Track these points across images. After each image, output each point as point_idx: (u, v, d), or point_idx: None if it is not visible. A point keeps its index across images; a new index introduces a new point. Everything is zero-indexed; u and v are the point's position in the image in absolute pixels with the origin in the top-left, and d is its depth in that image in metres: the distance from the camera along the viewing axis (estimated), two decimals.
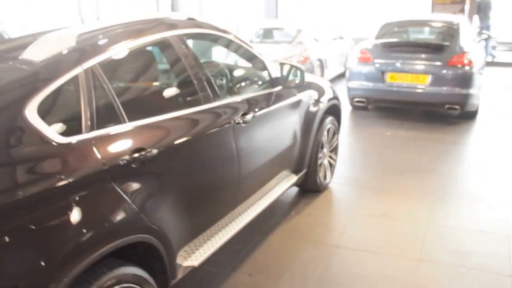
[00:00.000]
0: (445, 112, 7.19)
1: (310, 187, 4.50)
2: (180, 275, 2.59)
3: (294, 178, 4.05)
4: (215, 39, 3.53)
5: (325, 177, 4.66)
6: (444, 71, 6.77)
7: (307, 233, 3.89)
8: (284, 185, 3.87)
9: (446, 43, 7.04)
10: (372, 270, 3.33)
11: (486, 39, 10.81)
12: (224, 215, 3.10)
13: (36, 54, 2.26)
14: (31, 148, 1.93)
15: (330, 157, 4.78)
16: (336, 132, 4.82)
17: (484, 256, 3.47)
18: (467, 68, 6.77)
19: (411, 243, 3.67)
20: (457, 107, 6.82)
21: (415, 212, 4.23)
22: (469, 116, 7.30)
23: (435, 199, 4.47)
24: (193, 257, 2.71)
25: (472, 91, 6.82)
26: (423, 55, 6.96)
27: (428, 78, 6.82)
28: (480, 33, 9.75)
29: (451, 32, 7.37)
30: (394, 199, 4.50)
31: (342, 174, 5.05)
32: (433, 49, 7.03)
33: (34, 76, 2.09)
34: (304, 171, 4.23)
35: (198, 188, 2.77)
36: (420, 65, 6.93)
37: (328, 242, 3.73)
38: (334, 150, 4.86)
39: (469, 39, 7.47)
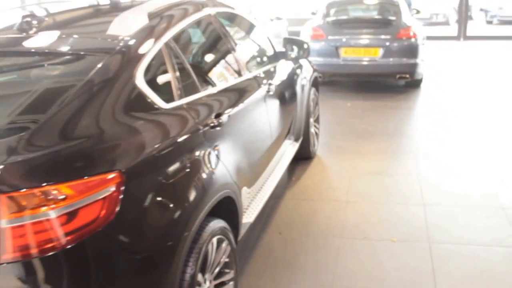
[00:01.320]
0: (395, 81, 7.82)
1: (304, 154, 4.84)
2: (242, 231, 2.83)
3: (297, 145, 4.37)
4: (232, 17, 3.75)
5: (313, 145, 5.03)
6: (394, 44, 7.37)
7: (316, 194, 4.23)
8: (292, 150, 4.18)
9: (393, 18, 7.65)
10: (384, 218, 3.74)
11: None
12: (263, 171, 3.36)
13: (120, 28, 2.37)
14: (145, 113, 2.09)
15: (315, 126, 5.15)
16: (317, 102, 5.20)
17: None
18: (413, 40, 7.42)
19: (410, 192, 4.14)
20: (407, 76, 7.46)
21: (402, 167, 4.72)
22: (415, 84, 7.99)
23: (413, 155, 4.99)
24: (248, 213, 2.95)
25: (418, 60, 7.48)
26: (373, 30, 7.52)
27: (380, 51, 7.38)
28: (410, 9, 10.54)
29: (393, 8, 7.99)
30: (378, 158, 4.97)
31: (322, 142, 5.44)
32: (381, 24, 7.62)
33: (131, 49, 2.21)
34: (301, 139, 4.56)
35: (251, 146, 3.05)
36: (371, 39, 7.48)
37: (338, 199, 4.10)
38: (317, 119, 5.24)
39: (408, 14, 8.14)
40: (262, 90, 3.29)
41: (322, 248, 3.34)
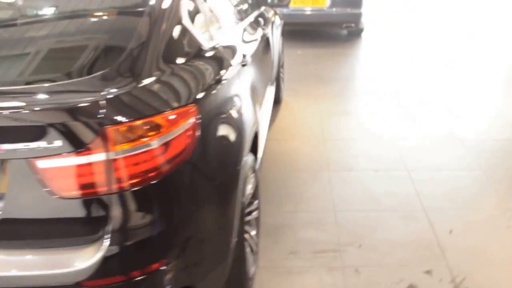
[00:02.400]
0: (339, 31, 8.19)
1: (275, 98, 5.08)
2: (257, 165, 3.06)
3: (273, 88, 4.60)
4: None
5: (282, 89, 5.28)
6: None
7: (294, 134, 4.53)
8: (273, 93, 4.41)
9: None
10: (362, 152, 4.12)
11: None
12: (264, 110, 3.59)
13: None
14: (196, 52, 2.21)
15: (281, 71, 5.39)
16: (283, 49, 5.44)
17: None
18: None
19: (380, 129, 4.54)
20: (353, 25, 7.85)
21: (366, 107, 5.13)
22: (357, 33, 8.42)
23: (374, 97, 5.42)
24: (259, 149, 3.18)
25: (362, 10, 7.87)
26: None
27: (327, 1, 7.67)
28: None
29: None
30: (341, 101, 5.35)
31: (285, 87, 5.71)
32: None
33: None
34: (275, 83, 4.79)
35: (259, 85, 3.22)
36: None
37: (316, 138, 4.42)
38: (283, 65, 5.48)
39: None
40: (261, 33, 3.48)
41: (315, 180, 3.65)
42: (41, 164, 1.60)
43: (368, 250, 2.84)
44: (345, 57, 7.17)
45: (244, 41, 2.98)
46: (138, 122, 1.68)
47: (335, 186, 3.55)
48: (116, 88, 1.72)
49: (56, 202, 1.65)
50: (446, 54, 7.38)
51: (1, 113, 1.60)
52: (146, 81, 1.80)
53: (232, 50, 2.62)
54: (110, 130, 1.61)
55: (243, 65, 2.62)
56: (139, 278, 1.73)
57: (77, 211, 1.67)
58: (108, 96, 1.66)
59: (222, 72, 2.30)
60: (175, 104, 1.81)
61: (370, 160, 3.95)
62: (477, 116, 4.91)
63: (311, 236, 2.98)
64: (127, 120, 1.65)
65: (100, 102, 1.64)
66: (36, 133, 1.59)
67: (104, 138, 1.61)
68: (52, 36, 2.15)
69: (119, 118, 1.65)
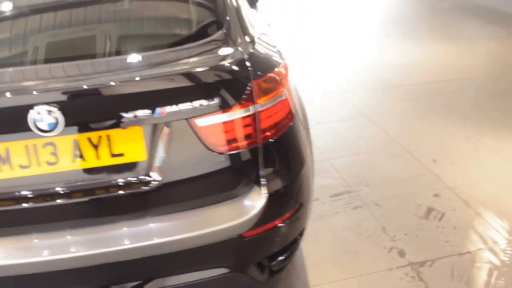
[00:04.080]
0: None
1: None
2: None
3: None
4: None
5: None
6: None
7: None
8: None
9: None
10: (323, 106, 4.39)
11: None
12: None
13: None
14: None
15: None
16: None
17: None
18: None
19: (329, 85, 4.86)
20: None
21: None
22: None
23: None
24: None
25: None
26: None
27: None
28: None
29: None
30: None
31: None
32: None
33: None
34: None
35: None
36: None
37: None
38: None
39: None
40: None
41: None
42: (200, 122, 1.60)
43: (377, 187, 3.13)
44: None
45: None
46: (271, 75, 1.73)
47: (314, 139, 3.76)
48: (242, 48, 1.75)
49: (213, 159, 1.66)
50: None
51: (163, 76, 1.59)
52: (257, 42, 1.84)
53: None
54: (255, 83, 1.67)
55: None
56: (280, 225, 1.80)
57: (232, 165, 1.70)
58: (246, 55, 1.71)
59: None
60: (281, 60, 1.87)
61: (332, 112, 4.24)
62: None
63: (322, 184, 3.17)
64: (264, 74, 1.71)
65: (245, 59, 1.67)
66: (195, 93, 1.60)
67: (251, 91, 1.65)
68: (157, 10, 2.06)
69: (259, 72, 1.70)
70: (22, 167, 1.57)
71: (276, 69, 1.78)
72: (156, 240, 1.61)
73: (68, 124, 1.51)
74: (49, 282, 1.66)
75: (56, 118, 1.49)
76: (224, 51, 1.72)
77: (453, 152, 3.52)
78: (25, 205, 1.61)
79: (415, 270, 2.46)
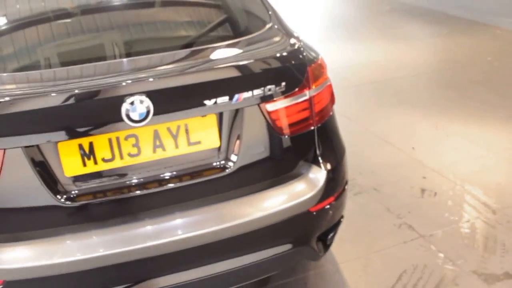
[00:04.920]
0: None
1: None
2: None
3: None
4: None
5: None
6: None
7: None
8: None
9: None
10: None
11: None
12: None
13: None
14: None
15: None
16: None
17: None
18: None
19: None
20: None
21: None
22: None
23: None
24: None
25: None
26: None
27: None
28: None
29: None
30: None
31: None
32: None
33: None
34: None
35: None
36: None
37: None
38: None
39: None
40: None
41: None
42: (269, 107, 1.74)
43: (369, 175, 3.37)
44: None
45: None
46: (319, 62, 1.90)
47: None
48: (294, 38, 1.92)
49: (279, 141, 1.80)
50: None
51: (237, 64, 1.71)
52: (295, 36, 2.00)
53: None
54: (310, 70, 1.83)
55: None
56: (334, 201, 1.96)
57: (295, 146, 1.85)
58: (299, 43, 1.88)
59: None
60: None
61: None
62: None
63: None
64: (315, 61, 1.89)
65: (302, 47, 1.83)
66: (264, 79, 1.73)
67: (308, 77, 1.81)
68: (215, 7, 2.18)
69: (311, 59, 1.88)
70: (105, 160, 1.61)
71: (320, 57, 1.96)
72: (237, 221, 1.70)
73: (156, 113, 1.57)
74: (149, 267, 1.69)
75: (148, 108, 1.55)
76: (282, 41, 1.87)
77: (427, 139, 3.85)
78: (110, 197, 1.64)
79: (428, 240, 2.69)
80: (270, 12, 2.02)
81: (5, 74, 1.63)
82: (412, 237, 2.73)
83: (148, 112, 1.56)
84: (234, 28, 2.03)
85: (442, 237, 2.72)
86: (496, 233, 2.75)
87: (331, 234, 2.09)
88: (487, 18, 7.17)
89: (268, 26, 1.94)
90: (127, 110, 1.54)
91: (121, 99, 1.54)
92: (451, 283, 2.40)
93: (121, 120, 1.55)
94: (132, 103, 1.54)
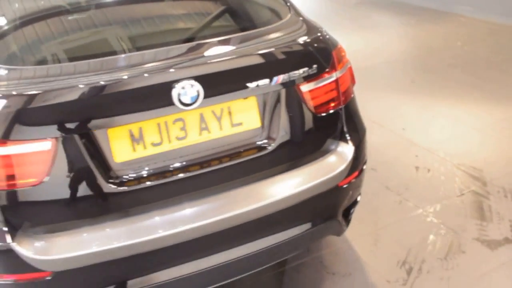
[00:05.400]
0: None
1: None
2: None
3: None
4: None
5: None
6: None
7: None
8: None
9: None
10: None
11: None
12: None
13: None
14: None
15: None
16: None
17: None
18: None
19: None
20: None
21: None
22: None
23: None
24: None
25: None
26: None
27: None
28: None
29: None
30: None
31: None
32: None
33: None
34: None
35: None
36: None
37: None
38: None
39: None
40: None
41: None
42: (304, 88, 1.86)
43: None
44: None
45: None
46: (339, 46, 2.01)
47: None
48: (316, 25, 2.05)
49: (313, 119, 1.91)
50: None
51: (276, 49, 1.82)
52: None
53: None
54: (334, 53, 1.96)
55: None
56: (357, 177, 2.08)
57: (327, 123, 1.97)
58: (322, 29, 2.02)
59: None
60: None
61: None
62: None
63: None
64: (337, 45, 2.02)
65: (324, 33, 1.94)
66: (299, 62, 1.84)
67: (333, 60, 1.93)
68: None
69: (334, 43, 2.01)
70: (154, 144, 1.67)
71: (339, 42, 2.07)
72: (280, 196, 1.79)
73: (205, 96, 1.65)
74: (202, 247, 1.76)
75: (198, 91, 1.62)
76: (306, 28, 1.98)
77: (416, 120, 4.02)
78: (159, 181, 1.69)
79: (429, 214, 2.85)
80: (288, 4, 2.13)
81: (57, 65, 1.67)
82: (414, 211, 2.88)
83: (198, 96, 1.63)
84: (263, 16, 2.12)
85: (441, 209, 2.88)
86: (490, 203, 2.93)
87: (352, 210, 2.21)
88: (451, 7, 7.45)
89: (289, 15, 2.05)
90: (179, 94, 1.61)
91: (171, 84, 1.61)
92: (458, 250, 2.56)
93: (172, 104, 1.61)
94: (183, 87, 1.61)
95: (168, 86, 1.60)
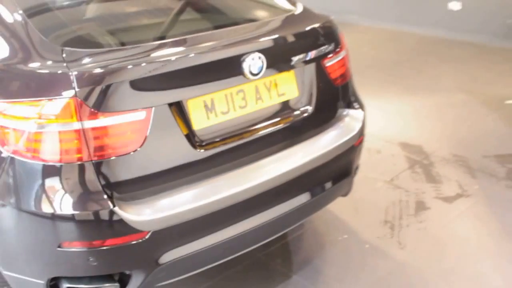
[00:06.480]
0: None
1: None
2: None
3: None
4: None
5: None
6: None
7: None
8: None
9: None
10: None
11: None
12: None
13: None
14: None
15: None
16: None
17: None
18: None
19: None
20: None
21: None
22: None
23: None
24: None
25: None
26: None
27: None
28: None
29: None
30: None
31: None
32: None
33: None
34: None
35: None
36: None
37: None
38: None
39: None
40: None
41: None
42: (326, 62, 2.27)
43: None
44: None
45: None
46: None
47: None
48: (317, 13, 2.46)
49: (334, 89, 2.33)
50: None
51: (308, 30, 2.23)
52: None
53: None
54: (341, 35, 2.39)
55: None
56: (363, 141, 2.49)
57: (343, 93, 2.40)
58: (328, 16, 2.43)
59: None
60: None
61: None
62: None
63: None
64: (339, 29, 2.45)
65: (331, 18, 2.36)
66: (322, 41, 2.25)
67: (341, 40, 2.37)
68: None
69: (338, 28, 2.43)
70: (223, 113, 1.97)
71: None
72: (320, 152, 2.16)
73: (267, 67, 1.98)
74: (267, 199, 2.05)
75: (263, 62, 1.96)
76: (318, 15, 2.38)
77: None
78: (229, 144, 1.98)
79: (392, 184, 3.35)
80: None
81: (152, 43, 1.92)
82: (379, 184, 3.36)
83: (262, 66, 1.96)
84: (290, 4, 2.47)
85: (401, 179, 3.40)
86: (436, 169, 3.51)
87: (357, 172, 2.61)
88: (349, 17, 8.31)
89: (299, 5, 2.46)
90: (249, 66, 1.92)
91: (241, 57, 1.92)
92: (424, 207, 3.07)
93: (242, 74, 1.93)
94: (253, 59, 1.93)
95: (238, 59, 1.92)
